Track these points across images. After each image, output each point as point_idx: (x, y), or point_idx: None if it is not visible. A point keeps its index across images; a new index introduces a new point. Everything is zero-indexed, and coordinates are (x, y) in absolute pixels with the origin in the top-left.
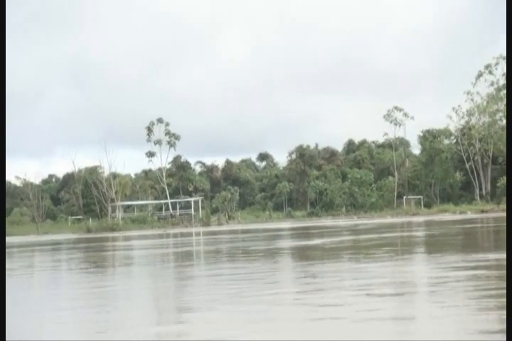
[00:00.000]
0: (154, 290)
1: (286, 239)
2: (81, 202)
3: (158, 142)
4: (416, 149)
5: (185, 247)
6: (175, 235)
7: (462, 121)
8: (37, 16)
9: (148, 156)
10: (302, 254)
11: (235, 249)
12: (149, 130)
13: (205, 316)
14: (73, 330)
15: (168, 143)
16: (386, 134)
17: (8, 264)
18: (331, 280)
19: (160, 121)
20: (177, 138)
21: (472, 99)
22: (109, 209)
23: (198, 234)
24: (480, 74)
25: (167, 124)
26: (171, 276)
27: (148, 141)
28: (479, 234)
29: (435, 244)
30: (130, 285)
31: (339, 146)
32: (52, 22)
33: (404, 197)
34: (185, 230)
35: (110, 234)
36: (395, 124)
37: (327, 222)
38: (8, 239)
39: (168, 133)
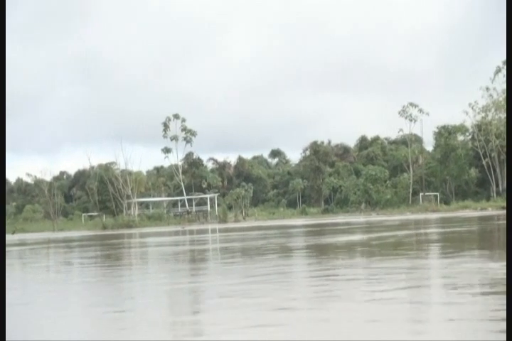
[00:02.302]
0: (235, 286)
1: (323, 235)
2: (96, 198)
3: (175, 138)
4: (428, 146)
5: (224, 243)
6: (200, 231)
7: (478, 117)
8: (48, 15)
9: (165, 152)
10: (356, 250)
11: (277, 246)
12: (165, 126)
13: (307, 316)
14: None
15: (185, 139)
16: (401, 130)
17: (53, 261)
18: (409, 277)
19: (176, 116)
20: (193, 134)
21: (491, 95)
22: (125, 205)
23: (222, 230)
24: (498, 70)
25: (183, 120)
26: (240, 273)
27: (165, 136)
28: None
29: (485, 240)
30: (208, 283)
31: (351, 143)
32: (62, 21)
33: (421, 194)
34: (204, 227)
35: (130, 231)
36: (410, 120)
37: (347, 218)
38: (27, 236)
39: (184, 129)
